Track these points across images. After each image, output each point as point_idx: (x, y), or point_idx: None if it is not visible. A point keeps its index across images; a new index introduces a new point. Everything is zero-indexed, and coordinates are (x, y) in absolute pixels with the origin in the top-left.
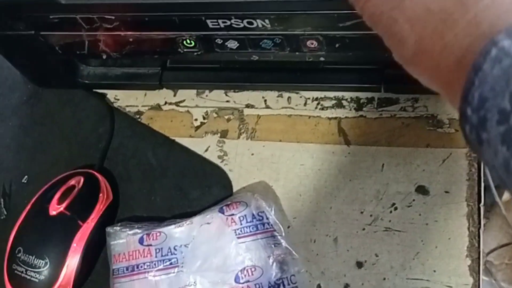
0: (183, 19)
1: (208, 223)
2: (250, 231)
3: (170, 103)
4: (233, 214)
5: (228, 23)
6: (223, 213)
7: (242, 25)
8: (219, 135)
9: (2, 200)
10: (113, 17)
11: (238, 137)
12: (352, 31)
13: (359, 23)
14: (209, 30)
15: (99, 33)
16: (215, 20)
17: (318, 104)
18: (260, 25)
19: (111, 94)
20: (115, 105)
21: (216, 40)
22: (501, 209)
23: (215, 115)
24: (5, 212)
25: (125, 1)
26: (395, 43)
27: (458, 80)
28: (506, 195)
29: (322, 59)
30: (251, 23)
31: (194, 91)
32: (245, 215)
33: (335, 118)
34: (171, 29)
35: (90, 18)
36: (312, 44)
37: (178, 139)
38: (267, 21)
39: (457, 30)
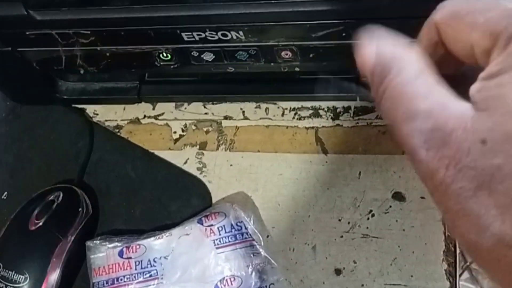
0: (159, 32)
1: (187, 234)
2: (229, 241)
3: (149, 117)
4: (212, 225)
5: (203, 35)
6: (202, 224)
7: (216, 37)
8: (198, 147)
9: None
10: (88, 32)
11: (217, 149)
12: (324, 41)
13: (331, 33)
14: (184, 43)
15: (75, 48)
16: (190, 33)
17: (295, 114)
18: (234, 37)
19: (90, 108)
20: (94, 119)
21: (192, 53)
22: None
23: (193, 127)
24: None
25: (100, 15)
26: (473, 226)
27: None
28: None
29: (297, 69)
30: (226, 35)
31: (173, 104)
32: (224, 225)
33: (313, 127)
34: (147, 43)
35: (66, 34)
36: (287, 54)
37: (157, 152)
38: (241, 32)
39: None
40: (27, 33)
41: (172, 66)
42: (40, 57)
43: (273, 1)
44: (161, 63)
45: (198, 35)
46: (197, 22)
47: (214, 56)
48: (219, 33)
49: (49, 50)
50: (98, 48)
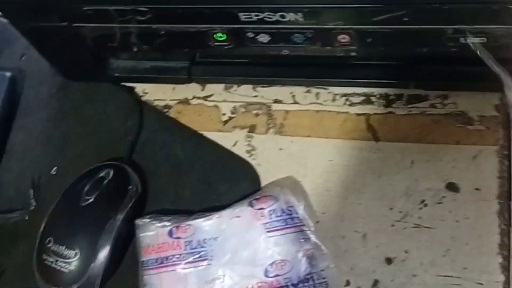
0: (216, 11)
1: (237, 217)
2: (280, 226)
3: (198, 97)
4: (262, 208)
5: (261, 16)
6: (252, 207)
7: (274, 19)
8: (247, 129)
9: (31, 191)
10: (146, 9)
11: (266, 132)
12: (385, 26)
13: (392, 18)
14: (241, 23)
15: (131, 25)
16: (248, 13)
17: (346, 100)
18: (292, 19)
19: (139, 87)
20: (143, 98)
21: (247, 34)
22: None
23: (243, 109)
24: (34, 203)
25: None
26: None
27: None
28: None
29: (353, 54)
30: (284, 17)
31: (222, 85)
32: (275, 209)
33: (364, 114)
34: (203, 22)
35: (123, 10)
36: (344, 38)
37: (206, 133)
38: (300, 14)
39: None
40: (85, 8)
41: (226, 47)
42: (95, 33)
43: None
44: (215, 44)
45: (256, 15)
46: (256, 2)
47: (269, 38)
48: (278, 14)
49: (104, 26)
50: (154, 26)
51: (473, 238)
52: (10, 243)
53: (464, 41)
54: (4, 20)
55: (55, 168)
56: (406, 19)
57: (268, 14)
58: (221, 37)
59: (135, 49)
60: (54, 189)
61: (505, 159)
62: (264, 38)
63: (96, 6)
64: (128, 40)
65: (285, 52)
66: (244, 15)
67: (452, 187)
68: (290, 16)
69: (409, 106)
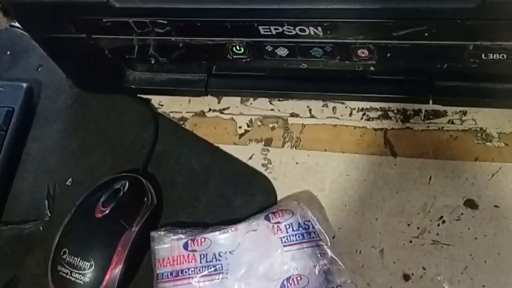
0: (236, 25)
1: (254, 230)
2: (296, 240)
3: (214, 110)
4: (279, 222)
5: (280, 30)
6: (269, 221)
7: (294, 32)
8: (263, 143)
9: (46, 201)
10: (165, 22)
11: (283, 146)
12: (405, 41)
13: (414, 33)
14: (260, 37)
15: (150, 38)
16: (267, 27)
17: (363, 114)
18: (312, 33)
19: (155, 100)
20: (159, 110)
21: (266, 47)
22: None
23: (259, 123)
24: (49, 214)
25: (179, 5)
26: None
27: None
28: None
29: (372, 68)
30: (303, 30)
31: (238, 98)
32: (291, 224)
33: (381, 129)
34: (222, 35)
35: (142, 22)
36: (363, 53)
37: (222, 146)
38: (319, 28)
39: None
40: (104, 20)
41: (244, 60)
42: (113, 45)
43: None
44: (234, 56)
45: (275, 29)
46: (276, 15)
47: (288, 52)
48: (297, 28)
49: (123, 38)
50: (173, 38)
51: (491, 256)
52: (24, 253)
53: (484, 57)
54: (20, 31)
55: (70, 179)
56: (427, 34)
57: (288, 28)
58: (239, 50)
59: (153, 61)
60: (69, 200)
61: None
62: (282, 51)
63: (116, 18)
64: (146, 52)
65: (303, 65)
66: (264, 28)
67: (470, 204)
68: (310, 30)
69: (427, 121)
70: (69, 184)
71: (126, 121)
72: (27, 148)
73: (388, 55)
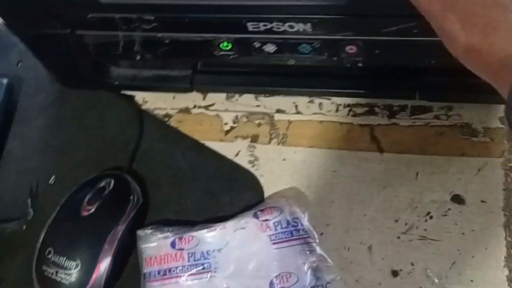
0: (224, 21)
1: (242, 228)
2: (285, 237)
3: (200, 107)
4: (267, 220)
5: (269, 26)
6: (257, 218)
7: (282, 29)
8: (249, 139)
9: (29, 200)
10: (152, 18)
11: (269, 142)
12: (393, 37)
13: (402, 29)
14: (248, 33)
15: (135, 34)
16: (256, 23)
17: (350, 110)
18: (301, 29)
19: (139, 96)
20: (143, 107)
21: (254, 44)
22: None
23: (245, 119)
24: (32, 213)
25: (167, 1)
26: (448, 39)
27: (504, 75)
28: None
29: (360, 65)
30: (292, 27)
31: (224, 95)
32: (280, 221)
33: (368, 125)
34: (210, 31)
35: (128, 18)
36: (351, 49)
37: (207, 143)
38: (309, 25)
39: (500, 32)
40: (89, 16)
41: (231, 56)
42: (98, 41)
43: None
44: (221, 53)
45: (264, 25)
46: (265, 12)
47: (276, 48)
48: (286, 25)
49: (108, 34)
50: (159, 34)
51: (479, 251)
52: (7, 253)
53: None
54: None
55: (53, 177)
56: (416, 30)
57: (277, 24)
58: (226, 46)
59: (138, 58)
60: (52, 198)
61: (510, 171)
62: (270, 48)
63: (101, 14)
64: (132, 48)
65: (291, 62)
66: (252, 25)
67: (457, 199)
68: (299, 26)
69: (413, 117)
70: (52, 182)
71: (109, 118)
72: (8, 146)
73: (377, 51)
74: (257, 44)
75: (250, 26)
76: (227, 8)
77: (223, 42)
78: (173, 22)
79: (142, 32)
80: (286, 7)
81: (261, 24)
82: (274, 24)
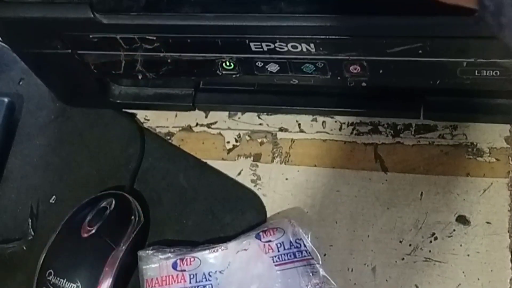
0: (226, 41)
1: (244, 250)
2: (288, 259)
3: (202, 125)
4: (270, 241)
5: (272, 46)
6: (260, 239)
7: (285, 49)
8: (252, 158)
9: (29, 220)
10: (154, 38)
11: (272, 161)
12: (398, 57)
13: (407, 50)
14: (251, 53)
15: (137, 53)
16: (259, 43)
17: (353, 129)
18: (304, 49)
19: (141, 114)
20: (145, 125)
21: (257, 63)
22: None
23: (247, 138)
24: (32, 233)
25: (169, 22)
26: None
27: None
28: None
29: (364, 84)
30: (295, 47)
31: (226, 113)
32: (283, 242)
33: (372, 144)
34: (212, 51)
35: (130, 38)
36: (355, 69)
37: (210, 162)
38: (312, 45)
39: None
40: (91, 36)
41: (234, 76)
42: (99, 60)
43: (348, 14)
44: (223, 72)
45: (267, 45)
46: (268, 32)
47: (279, 68)
48: (289, 45)
49: (110, 54)
50: (161, 54)
51: (484, 273)
52: (7, 274)
53: (477, 74)
54: (1, 43)
55: (54, 197)
56: (421, 51)
57: (280, 45)
58: (229, 66)
59: (140, 77)
60: (53, 218)
61: None
62: (273, 67)
63: (103, 34)
64: (134, 67)
65: (294, 81)
66: (255, 45)
67: (462, 220)
68: (302, 47)
69: (417, 136)
70: (53, 201)
71: (111, 136)
72: (9, 165)
73: (381, 71)
74: (260, 64)
75: (253, 46)
76: (230, 28)
77: (225, 61)
78: (175, 42)
79: (144, 51)
80: (289, 28)
81: (264, 44)
82: (277, 44)
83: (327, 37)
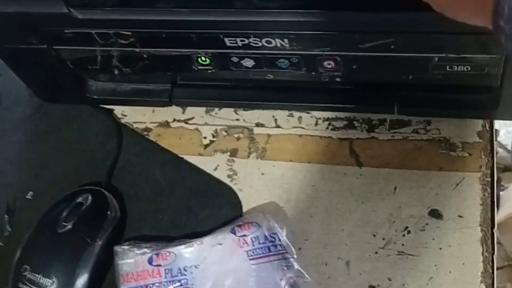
0: (201, 36)
1: (219, 244)
2: (263, 253)
3: (179, 120)
4: (245, 235)
5: (246, 41)
6: (235, 234)
7: (260, 44)
8: (228, 153)
9: (6, 216)
10: (129, 33)
11: (248, 156)
12: (371, 53)
13: (380, 45)
14: (226, 48)
15: (113, 49)
16: (233, 38)
17: (329, 124)
18: (278, 45)
19: (118, 110)
20: (122, 121)
21: (232, 58)
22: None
23: (224, 133)
24: (9, 229)
25: (144, 17)
26: None
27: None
28: (499, 216)
29: (338, 79)
30: (270, 42)
31: (203, 108)
32: (258, 236)
33: (347, 139)
34: (187, 46)
35: (106, 34)
36: (329, 64)
37: (186, 157)
38: (286, 40)
39: None
40: (66, 31)
41: (209, 71)
42: (75, 56)
43: (322, 10)
44: (199, 67)
45: (241, 41)
46: (242, 28)
47: (254, 63)
48: (264, 40)
49: (86, 49)
50: (137, 49)
51: (456, 266)
52: None
53: (449, 69)
54: None
55: (30, 193)
56: (393, 46)
57: (254, 40)
58: (204, 61)
59: (116, 72)
60: (30, 214)
61: (488, 186)
62: (248, 62)
63: (78, 29)
64: (110, 63)
65: (269, 76)
66: (230, 40)
67: (435, 214)
68: (276, 42)
69: (391, 131)
70: (30, 197)
71: (88, 132)
72: None
73: (354, 66)
74: (235, 59)
75: (227, 41)
76: (204, 24)
77: (201, 56)
78: (151, 37)
79: (120, 47)
80: (263, 23)
81: (239, 39)
82: (251, 39)
83: (301, 32)
